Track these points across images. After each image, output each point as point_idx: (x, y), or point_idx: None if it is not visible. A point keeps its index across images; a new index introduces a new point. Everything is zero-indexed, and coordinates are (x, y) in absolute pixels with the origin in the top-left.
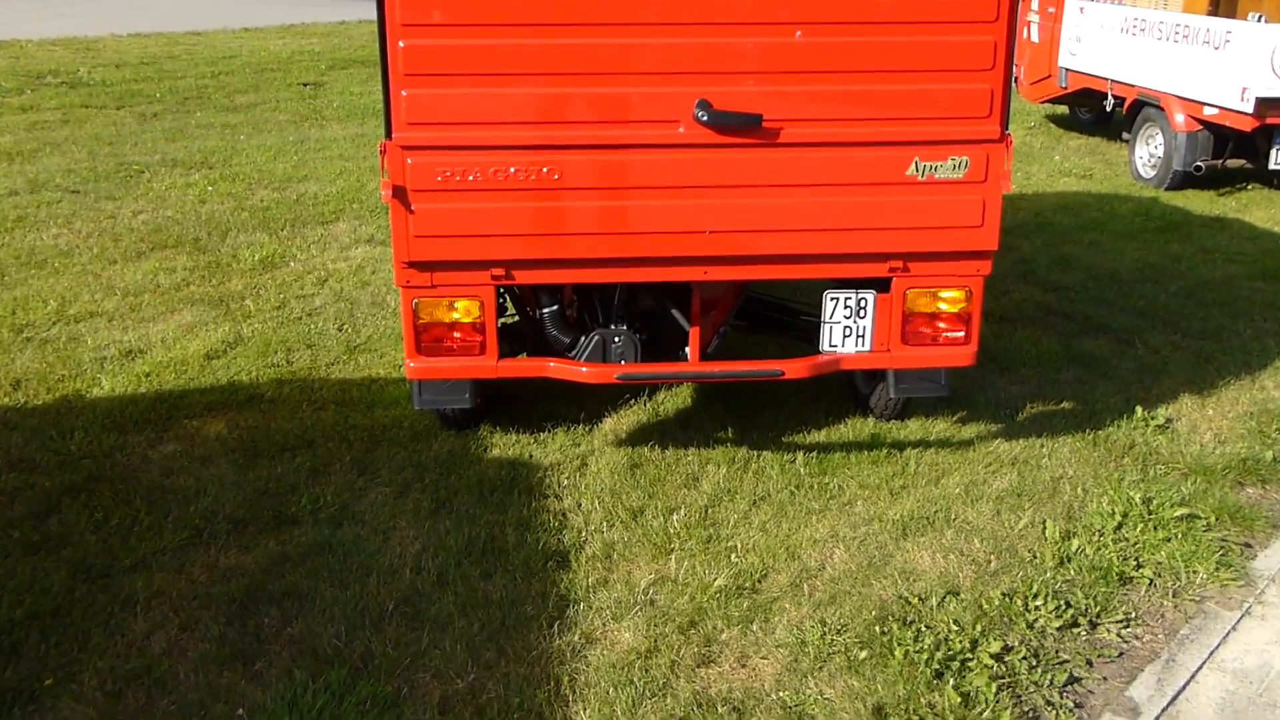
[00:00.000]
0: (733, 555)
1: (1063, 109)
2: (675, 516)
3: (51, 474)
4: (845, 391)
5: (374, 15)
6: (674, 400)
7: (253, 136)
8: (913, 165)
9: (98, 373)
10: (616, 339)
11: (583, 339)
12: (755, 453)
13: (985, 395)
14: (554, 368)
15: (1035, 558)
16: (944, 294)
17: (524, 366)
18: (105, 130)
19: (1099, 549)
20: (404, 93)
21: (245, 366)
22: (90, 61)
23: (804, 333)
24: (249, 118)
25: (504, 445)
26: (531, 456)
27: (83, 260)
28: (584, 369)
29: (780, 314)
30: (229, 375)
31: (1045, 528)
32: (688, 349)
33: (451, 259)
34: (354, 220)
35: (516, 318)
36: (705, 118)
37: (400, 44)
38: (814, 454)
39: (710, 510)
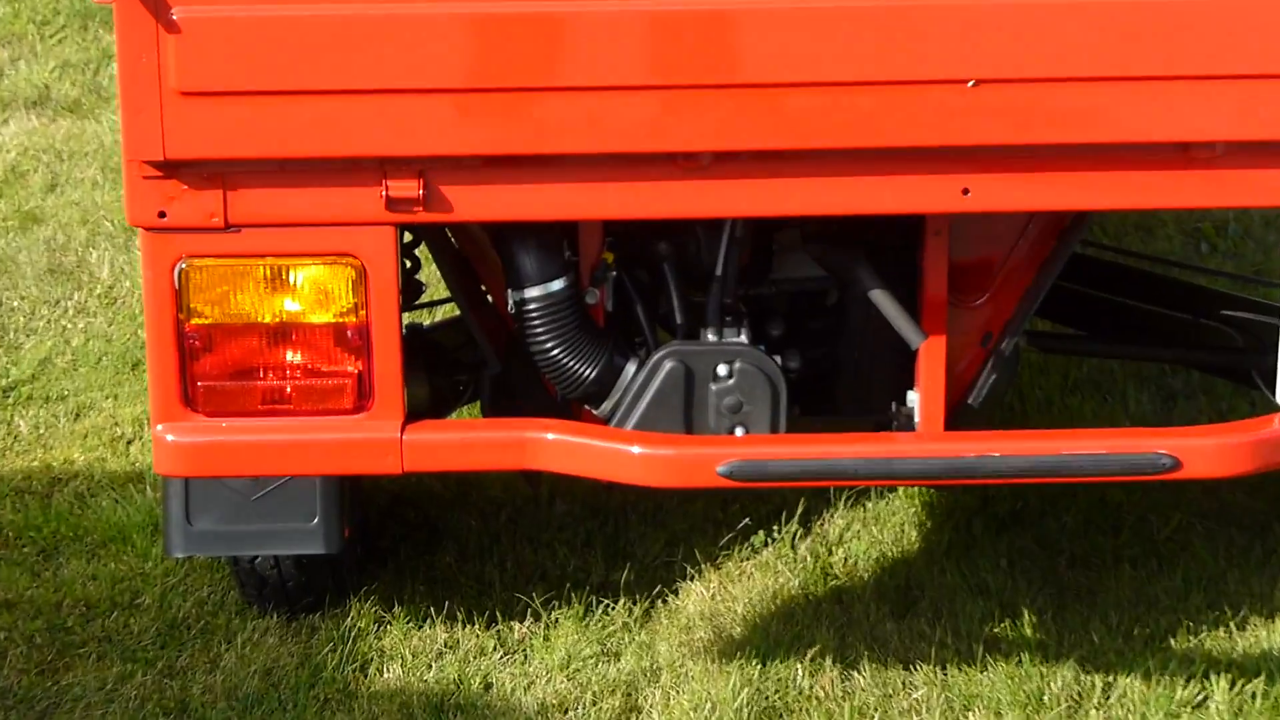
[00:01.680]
0: None
1: None
2: None
3: None
4: None
5: None
6: (866, 528)
7: None
8: None
9: None
10: (723, 368)
11: (631, 369)
12: (1100, 678)
13: None
14: (555, 444)
15: None
16: None
17: (476, 445)
18: None
19: None
20: None
21: None
22: None
23: (1228, 355)
24: None
25: (415, 655)
26: (492, 686)
27: None
28: (639, 449)
29: (1161, 302)
30: None
31: None
32: (912, 396)
33: (282, 154)
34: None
35: (454, 312)
36: None
37: None
38: (1258, 680)
39: None
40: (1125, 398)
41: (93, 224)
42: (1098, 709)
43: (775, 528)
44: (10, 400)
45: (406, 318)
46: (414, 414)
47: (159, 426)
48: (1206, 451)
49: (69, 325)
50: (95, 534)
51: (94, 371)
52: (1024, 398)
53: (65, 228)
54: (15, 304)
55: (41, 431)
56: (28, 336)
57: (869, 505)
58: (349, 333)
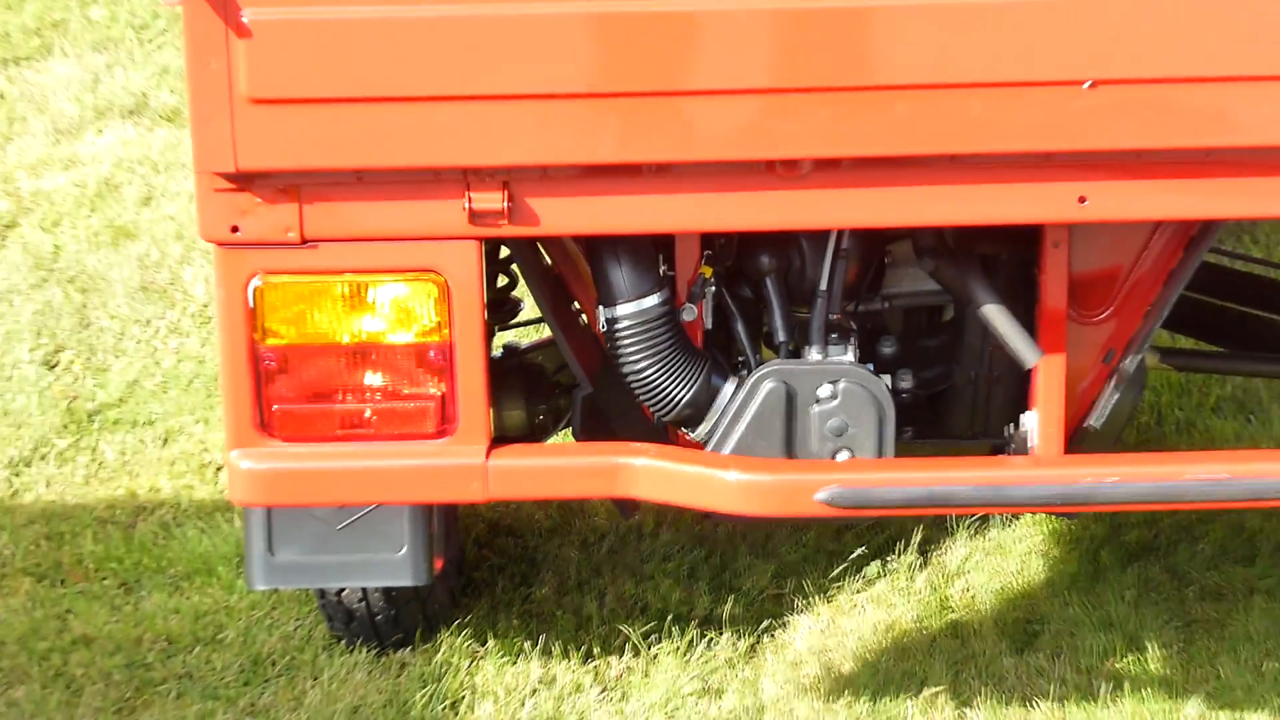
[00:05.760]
0: None
1: None
2: None
3: None
4: None
5: None
6: (987, 558)
7: None
8: None
9: None
10: (827, 389)
11: (729, 390)
12: (1227, 714)
13: None
14: (646, 470)
15: None
16: None
17: (564, 472)
18: None
19: None
20: None
21: None
22: None
23: None
24: None
25: (509, 692)
26: None
27: None
28: (734, 476)
29: None
30: None
31: None
32: (1028, 418)
33: (359, 165)
34: (94, 52)
35: (544, 333)
36: None
37: None
38: None
39: None
40: (1270, 417)
41: (188, 239)
42: None
43: (891, 558)
44: (96, 425)
45: (504, 336)
46: (511, 438)
47: (234, 453)
48: None
49: (160, 346)
50: (179, 566)
51: (184, 394)
52: (1162, 418)
53: (159, 243)
54: (105, 323)
55: (128, 458)
56: (116, 358)
57: (991, 534)
58: (431, 353)
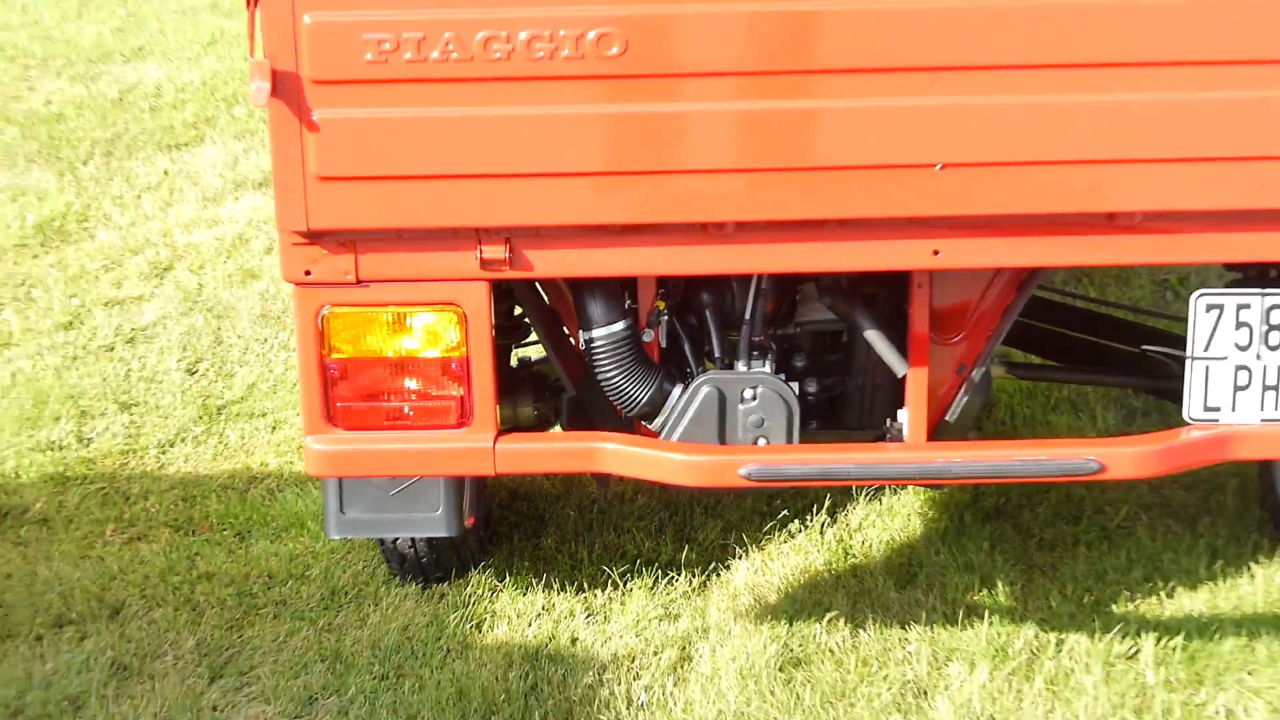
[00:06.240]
0: None
1: None
2: None
3: None
4: (1246, 504)
5: None
6: (879, 518)
7: None
8: None
9: None
10: (749, 392)
11: (677, 393)
12: (1054, 635)
13: None
14: (613, 452)
15: None
16: None
17: (552, 453)
18: None
19: None
20: None
21: None
22: None
23: (1152, 377)
24: None
25: (519, 616)
26: (577, 641)
27: None
28: (677, 456)
29: (1100, 335)
30: None
31: None
32: (901, 414)
33: (399, 225)
34: (235, 140)
35: (541, 352)
36: None
37: None
38: (1179, 638)
39: None
40: (1095, 415)
41: None
42: (1051, 659)
43: (808, 518)
44: (223, 416)
45: (524, 351)
46: (520, 428)
47: (308, 438)
48: (1125, 458)
49: (273, 358)
50: (279, 520)
51: (289, 394)
52: (1014, 415)
53: (276, 282)
54: (233, 341)
55: (245, 441)
56: (240, 366)
57: (884, 500)
58: (453, 365)
